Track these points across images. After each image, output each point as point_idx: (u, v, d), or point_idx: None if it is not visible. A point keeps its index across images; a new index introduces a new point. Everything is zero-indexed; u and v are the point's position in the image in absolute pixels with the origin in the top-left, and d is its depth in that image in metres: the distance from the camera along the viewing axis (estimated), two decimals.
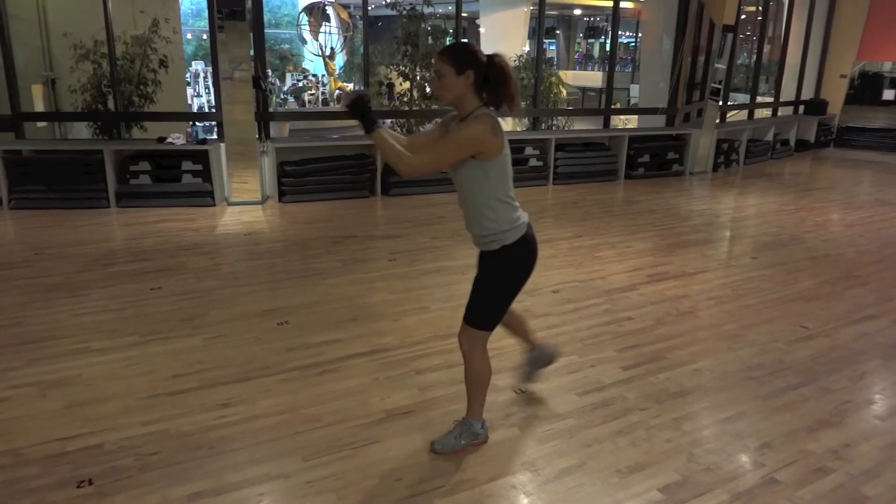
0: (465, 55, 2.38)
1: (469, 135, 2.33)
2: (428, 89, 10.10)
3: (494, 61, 2.39)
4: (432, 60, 2.37)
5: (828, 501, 2.44)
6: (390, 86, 10.50)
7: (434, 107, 10.12)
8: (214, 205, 7.08)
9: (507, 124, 12.76)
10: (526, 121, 10.98)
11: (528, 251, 2.54)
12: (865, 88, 12.86)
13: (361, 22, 10.25)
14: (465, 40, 2.41)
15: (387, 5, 10.28)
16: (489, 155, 2.37)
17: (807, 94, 12.58)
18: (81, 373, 3.33)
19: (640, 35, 19.64)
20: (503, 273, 2.55)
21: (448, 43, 10.22)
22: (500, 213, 2.46)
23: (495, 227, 2.47)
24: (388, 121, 10.19)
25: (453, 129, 2.46)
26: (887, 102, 12.66)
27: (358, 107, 2.39)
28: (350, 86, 17.85)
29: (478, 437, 2.73)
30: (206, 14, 7.60)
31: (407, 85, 9.96)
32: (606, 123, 10.16)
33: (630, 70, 21.71)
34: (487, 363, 2.64)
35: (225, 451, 2.69)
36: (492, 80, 2.38)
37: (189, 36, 17.48)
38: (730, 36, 9.49)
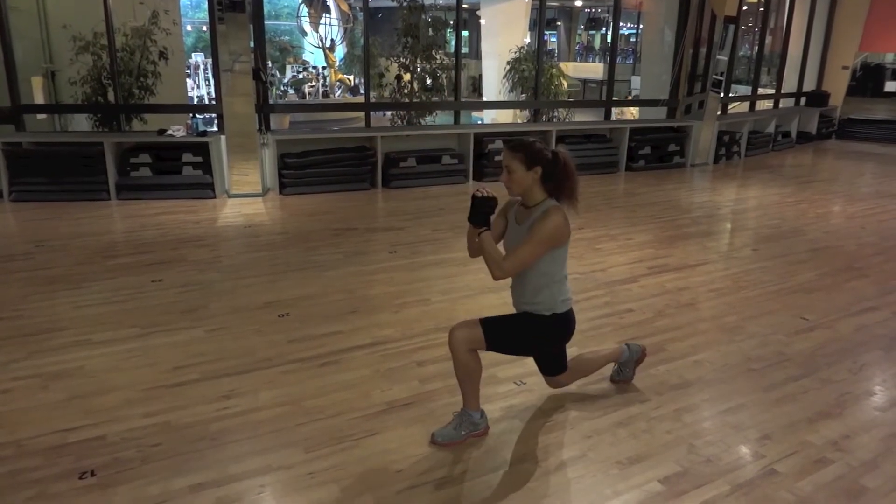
0: (534, 152, 2.53)
1: (550, 232, 2.48)
2: (428, 81, 10.07)
3: (559, 158, 2.55)
4: (501, 155, 2.52)
5: (827, 492, 2.45)
6: (398, 78, 10.46)
7: (434, 99, 10.09)
8: (215, 197, 7.08)
9: (509, 117, 12.73)
10: (527, 112, 10.96)
11: (569, 324, 2.71)
12: (867, 80, 12.84)
13: (362, 13, 10.24)
14: (531, 138, 2.70)
15: None
16: (561, 244, 2.54)
17: (808, 85, 12.54)
18: (83, 365, 3.34)
19: (641, 26, 19.57)
20: (542, 329, 2.67)
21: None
22: (554, 291, 2.62)
23: (550, 301, 2.62)
24: (390, 113, 10.17)
25: (514, 216, 2.67)
26: (889, 94, 12.63)
27: (484, 205, 2.52)
28: (350, 78, 17.80)
29: (478, 428, 2.74)
30: (205, 5, 7.57)
31: (407, 77, 9.93)
32: (608, 115, 10.14)
33: (631, 62, 21.64)
34: (476, 358, 2.65)
35: (226, 442, 2.70)
36: (556, 175, 2.54)
37: (189, 28, 17.43)
38: (731, 27, 9.45)
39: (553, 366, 2.90)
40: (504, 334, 2.65)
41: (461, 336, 2.59)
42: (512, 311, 2.75)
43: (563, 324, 2.69)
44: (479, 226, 2.54)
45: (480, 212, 2.53)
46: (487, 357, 3.38)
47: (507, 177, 2.56)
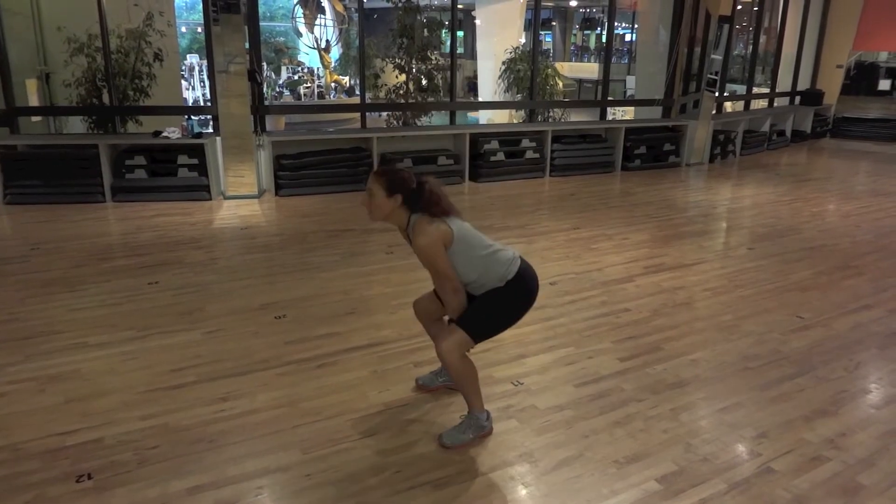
0: (397, 180, 2.53)
1: (426, 248, 2.50)
2: (424, 82, 10.08)
3: (425, 188, 2.55)
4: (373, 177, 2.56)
5: (824, 490, 2.46)
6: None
7: (430, 99, 10.10)
8: (211, 199, 7.07)
9: (504, 116, 12.74)
10: (522, 112, 10.97)
11: (528, 281, 2.68)
12: (861, 79, 12.87)
13: (357, 14, 10.23)
14: (397, 166, 2.89)
15: None
16: (447, 242, 2.54)
17: (803, 84, 12.58)
18: (80, 368, 3.33)
19: (636, 26, 19.60)
20: (507, 297, 2.65)
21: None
22: (489, 268, 2.61)
23: (494, 276, 2.62)
24: (385, 114, 10.17)
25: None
26: (883, 92, 12.67)
27: None
28: (346, 79, 17.78)
29: (484, 429, 2.74)
30: (200, 7, 7.56)
31: (402, 77, 9.94)
32: (603, 115, 10.15)
33: (626, 61, 21.68)
34: (469, 361, 2.66)
35: (224, 444, 2.70)
36: (421, 204, 2.54)
37: (184, 29, 17.40)
38: (726, 27, 9.49)
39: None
40: (482, 321, 2.64)
41: (449, 346, 2.58)
42: None
43: (521, 282, 2.65)
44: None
45: None
46: (484, 358, 3.39)
47: (368, 200, 2.55)
